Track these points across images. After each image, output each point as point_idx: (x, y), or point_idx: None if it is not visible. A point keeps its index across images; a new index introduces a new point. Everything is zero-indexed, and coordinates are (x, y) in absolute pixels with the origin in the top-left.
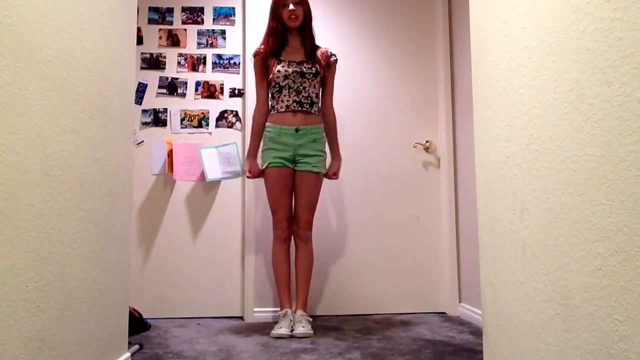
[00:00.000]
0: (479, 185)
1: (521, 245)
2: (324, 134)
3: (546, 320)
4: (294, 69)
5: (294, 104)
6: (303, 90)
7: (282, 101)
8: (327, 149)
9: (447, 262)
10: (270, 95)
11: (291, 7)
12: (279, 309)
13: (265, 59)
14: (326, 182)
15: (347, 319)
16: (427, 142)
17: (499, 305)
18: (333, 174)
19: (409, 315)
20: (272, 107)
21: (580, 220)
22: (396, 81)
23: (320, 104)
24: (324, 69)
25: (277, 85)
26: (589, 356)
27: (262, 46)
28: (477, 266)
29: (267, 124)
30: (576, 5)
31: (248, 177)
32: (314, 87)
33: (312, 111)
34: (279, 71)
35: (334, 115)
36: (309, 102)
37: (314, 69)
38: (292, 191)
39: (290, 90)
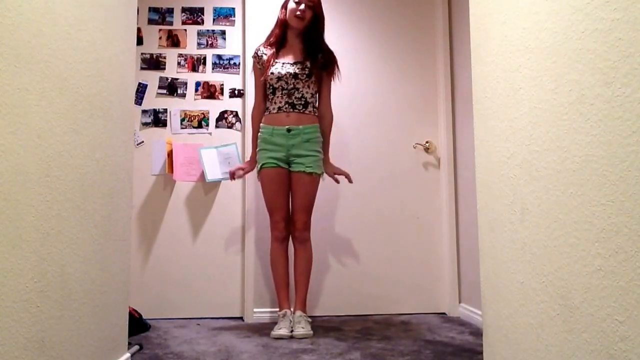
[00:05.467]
0: (479, 186)
1: (521, 246)
2: (319, 134)
3: (546, 320)
4: (287, 70)
5: (286, 105)
6: (296, 92)
7: (275, 102)
8: (322, 149)
9: (447, 263)
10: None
11: (302, 6)
12: (278, 309)
13: (263, 61)
14: (327, 181)
15: (347, 319)
16: (427, 142)
17: (499, 305)
18: (333, 174)
19: (409, 315)
20: (267, 108)
21: (581, 220)
22: (396, 81)
23: (317, 105)
24: (317, 69)
25: (270, 87)
26: (589, 357)
27: (262, 45)
28: (477, 266)
29: (261, 124)
30: (576, 6)
31: (239, 174)
32: (308, 87)
33: (306, 112)
34: (272, 73)
35: (329, 118)
36: (302, 102)
37: (306, 69)
38: (289, 192)
39: (283, 92)
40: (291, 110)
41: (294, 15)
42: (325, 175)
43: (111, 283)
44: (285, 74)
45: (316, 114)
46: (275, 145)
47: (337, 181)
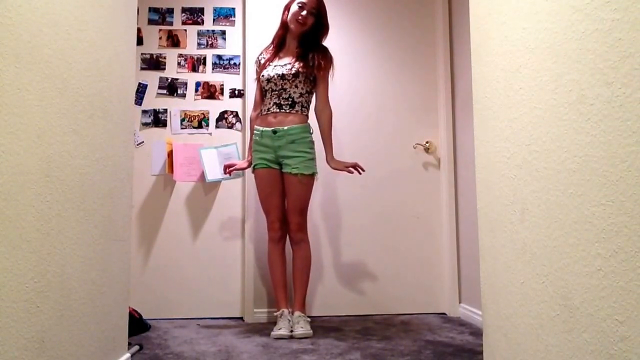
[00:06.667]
0: (479, 186)
1: (521, 246)
2: (308, 134)
3: (546, 321)
4: (276, 72)
5: (274, 107)
6: (283, 92)
7: (266, 104)
8: (313, 149)
9: (447, 263)
10: None
11: (304, 13)
12: (276, 309)
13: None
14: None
15: (347, 319)
16: (427, 142)
17: (499, 306)
18: (344, 168)
19: (409, 315)
20: (261, 109)
21: (581, 220)
22: (396, 82)
23: (308, 104)
24: (307, 68)
25: (263, 89)
26: (589, 357)
27: (264, 50)
28: (477, 267)
29: (254, 126)
30: (576, 6)
31: (227, 168)
32: (296, 87)
33: (293, 111)
34: (263, 75)
35: (328, 114)
36: (289, 103)
37: (294, 69)
38: (283, 192)
39: (273, 93)
40: (278, 111)
41: (295, 19)
42: (318, 175)
43: (111, 283)
44: (274, 76)
45: (304, 114)
46: (264, 147)
47: (351, 172)
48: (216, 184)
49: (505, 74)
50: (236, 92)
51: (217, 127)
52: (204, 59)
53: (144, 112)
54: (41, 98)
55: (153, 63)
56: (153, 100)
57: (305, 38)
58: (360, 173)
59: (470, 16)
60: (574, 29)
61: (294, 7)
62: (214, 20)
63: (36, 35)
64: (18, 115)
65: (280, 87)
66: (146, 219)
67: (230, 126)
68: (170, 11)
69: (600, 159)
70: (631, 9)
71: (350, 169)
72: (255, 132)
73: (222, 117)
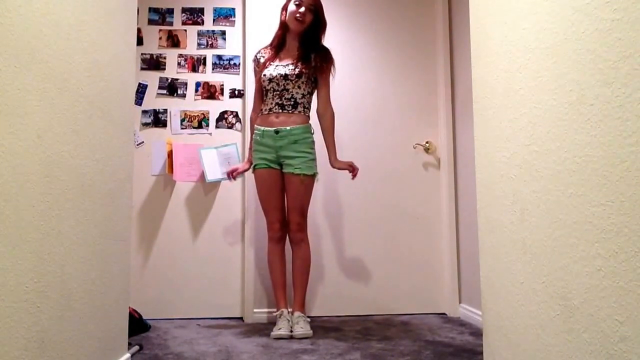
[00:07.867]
0: (479, 186)
1: (521, 246)
2: (310, 134)
3: (546, 321)
4: (278, 72)
5: (276, 107)
6: (286, 92)
7: (267, 104)
8: (314, 149)
9: (447, 263)
10: None
11: (302, 10)
12: (275, 309)
13: (260, 64)
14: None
15: (347, 319)
16: (427, 142)
17: (499, 306)
18: (348, 167)
19: (409, 316)
20: (261, 109)
21: (581, 221)
22: (396, 82)
23: (310, 104)
24: (309, 69)
25: (264, 89)
26: (589, 357)
27: (263, 48)
28: (477, 267)
29: (255, 125)
30: (576, 6)
31: (230, 174)
32: (299, 87)
33: (295, 112)
34: (264, 75)
35: (330, 115)
36: (292, 103)
37: (297, 70)
38: (283, 193)
39: (274, 93)
40: (280, 111)
41: (294, 18)
42: (319, 176)
43: (111, 283)
44: (276, 76)
45: (306, 114)
46: (265, 147)
47: (352, 171)
48: (216, 184)
49: (505, 74)
50: (236, 92)
51: (217, 127)
52: (204, 59)
53: (144, 112)
54: (41, 98)
55: (153, 63)
56: (153, 100)
57: (305, 37)
58: (356, 169)
59: (470, 16)
60: (574, 29)
61: (291, 7)
62: (214, 20)
63: (36, 36)
64: (18, 115)
65: (282, 87)
66: (146, 219)
67: (230, 126)
68: (170, 11)
69: (600, 159)
70: (631, 9)
71: (351, 167)
72: (255, 131)
73: (222, 117)
